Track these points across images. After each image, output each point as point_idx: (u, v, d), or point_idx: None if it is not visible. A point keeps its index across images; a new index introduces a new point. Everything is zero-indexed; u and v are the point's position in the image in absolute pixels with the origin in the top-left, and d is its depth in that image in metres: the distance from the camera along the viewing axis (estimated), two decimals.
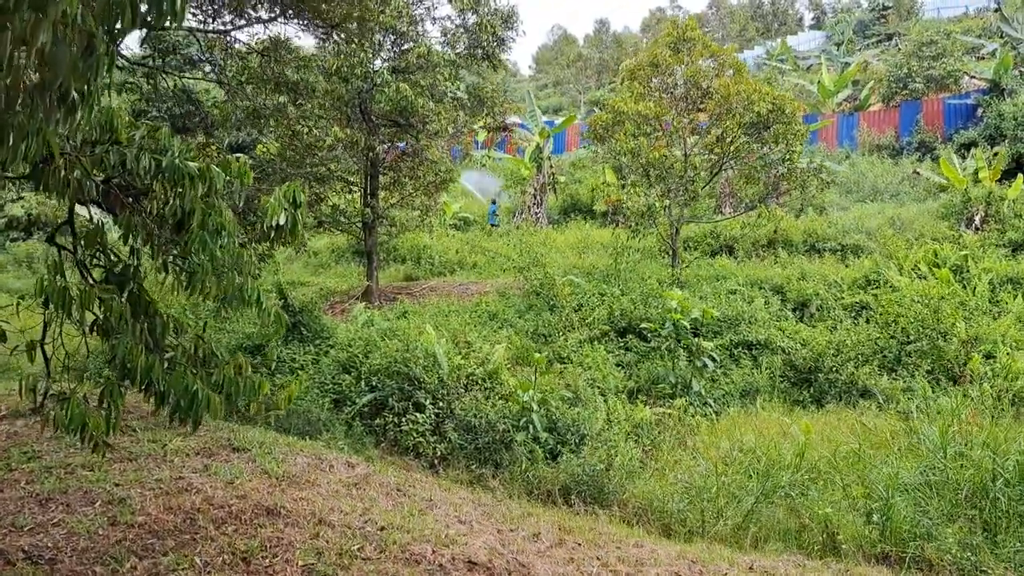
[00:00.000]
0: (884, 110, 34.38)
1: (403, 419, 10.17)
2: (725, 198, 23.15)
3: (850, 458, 9.06)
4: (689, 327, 12.25)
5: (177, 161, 4.25)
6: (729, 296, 15.05)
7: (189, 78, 11.57)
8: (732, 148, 16.30)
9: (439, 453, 9.88)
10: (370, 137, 15.24)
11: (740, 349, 13.59)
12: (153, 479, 6.69)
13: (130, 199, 4.28)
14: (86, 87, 3.29)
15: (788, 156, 15.74)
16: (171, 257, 4.57)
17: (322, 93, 12.24)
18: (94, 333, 4.51)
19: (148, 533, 5.62)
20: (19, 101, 3.19)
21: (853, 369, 12.46)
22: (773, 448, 9.25)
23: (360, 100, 15.60)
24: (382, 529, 6.09)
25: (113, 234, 5.16)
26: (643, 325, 13.26)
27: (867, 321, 14.27)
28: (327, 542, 5.72)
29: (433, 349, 10.91)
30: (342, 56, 12.78)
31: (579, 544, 6.34)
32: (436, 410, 10.28)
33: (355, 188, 17.54)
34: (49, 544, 5.30)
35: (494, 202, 28.32)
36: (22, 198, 30.08)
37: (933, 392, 11.53)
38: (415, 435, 9.95)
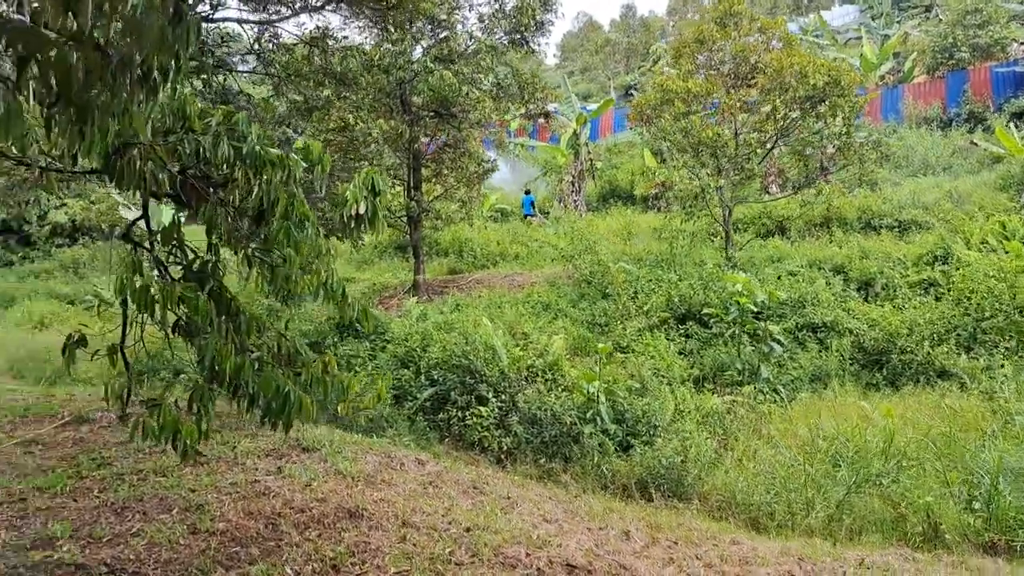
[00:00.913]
0: (929, 81, 33.31)
1: (466, 413, 9.90)
2: (772, 177, 22.52)
3: (940, 442, 8.59)
4: (755, 311, 11.80)
5: (258, 147, 3.97)
6: (789, 278, 14.53)
7: (241, 72, 11.38)
8: (784, 124, 15.73)
9: (505, 447, 9.59)
10: (413, 128, 14.96)
11: (805, 332, 13.09)
12: (228, 483, 6.48)
13: (210, 190, 4.01)
14: (173, 62, 3.00)
15: (845, 129, 15.15)
16: (252, 251, 4.29)
17: (364, 85, 11.97)
18: (176, 334, 4.25)
19: (231, 541, 5.40)
20: (100, 79, 2.92)
21: (929, 349, 11.92)
22: (857, 434, 8.80)
23: (401, 91, 15.32)
24: (468, 530, 5.81)
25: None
26: (704, 311, 12.83)
27: (937, 299, 13.68)
28: (415, 546, 5.45)
29: (492, 341, 10.62)
30: (384, 46, 12.50)
31: (674, 543, 6.00)
32: (499, 403, 9.99)
33: (398, 182, 17.30)
34: (131, 556, 5.09)
35: (528, 192, 27.62)
36: (65, 204, 30.40)
37: (1016, 370, 10.97)
38: (479, 429, 9.67)
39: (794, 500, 7.79)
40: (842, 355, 12.36)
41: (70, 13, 2.82)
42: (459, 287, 17.40)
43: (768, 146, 15.65)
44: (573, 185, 26.20)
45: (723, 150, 14.73)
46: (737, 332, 11.92)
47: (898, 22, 51.16)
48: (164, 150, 4.04)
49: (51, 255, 31.01)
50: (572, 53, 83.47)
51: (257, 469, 6.87)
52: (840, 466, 8.35)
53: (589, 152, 27.67)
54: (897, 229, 18.62)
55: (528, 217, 26.05)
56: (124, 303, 4.08)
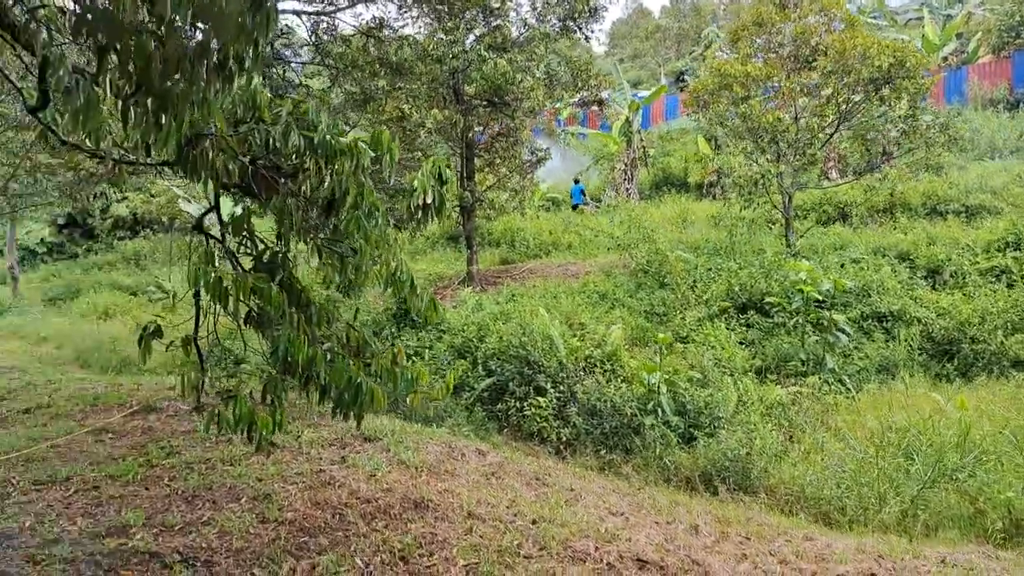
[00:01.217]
0: (995, 61, 31.99)
1: (525, 404, 9.83)
2: (831, 163, 21.90)
3: (1020, 435, 8.23)
4: (819, 300, 11.46)
5: (328, 137, 3.93)
6: (853, 265, 14.09)
7: (298, 63, 11.46)
8: (846, 108, 15.22)
9: (564, 438, 9.51)
10: (467, 118, 14.89)
11: (871, 322, 12.67)
12: (294, 472, 6.52)
13: (282, 180, 3.98)
14: (250, 49, 2.96)
15: (912, 112, 14.61)
16: (322, 241, 4.26)
17: (418, 75, 11.93)
18: (247, 325, 4.25)
19: (299, 531, 5.42)
20: (179, 68, 2.89)
21: (1002, 338, 11.44)
22: (931, 427, 8.48)
23: (454, 81, 15.26)
24: (534, 522, 5.74)
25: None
26: (767, 299, 12.53)
27: (1009, 286, 13.13)
28: (482, 538, 5.40)
29: (549, 331, 10.53)
30: (437, 35, 12.44)
31: (746, 538, 5.84)
32: (557, 394, 9.91)
33: (450, 172, 17.23)
34: (203, 545, 5.14)
35: (577, 181, 27.23)
36: (127, 198, 31.20)
37: None
38: (538, 420, 9.60)
39: (866, 494, 7.54)
40: (910, 345, 11.95)
41: (148, 2, 2.79)
42: (512, 277, 17.33)
43: (829, 131, 15.16)
44: (625, 173, 25.89)
45: (783, 135, 14.32)
46: (800, 321, 11.60)
47: (960, 1, 49.36)
48: (235, 140, 4.02)
49: (113, 247, 31.88)
50: (621, 40, 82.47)
51: (321, 459, 6.91)
52: (913, 459, 8.06)
53: (642, 139, 27.30)
54: (964, 215, 17.94)
55: (578, 206, 25.77)
56: (197, 294, 4.09)
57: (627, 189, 25.74)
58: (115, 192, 29.60)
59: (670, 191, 26.88)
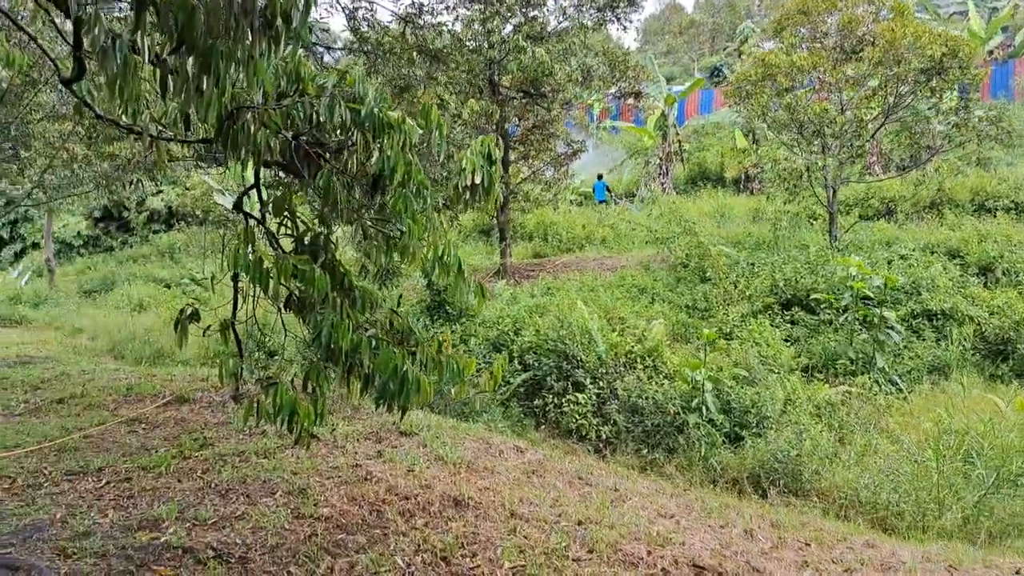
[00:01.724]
0: None
1: (563, 400, 9.56)
2: (874, 157, 21.31)
3: None
4: (868, 297, 11.01)
5: (376, 110, 3.68)
6: (901, 262, 13.60)
7: (336, 48, 11.26)
8: (894, 99, 14.71)
9: (604, 436, 9.22)
10: (503, 109, 14.62)
11: (920, 320, 12.21)
12: (329, 466, 6.32)
13: (327, 155, 3.75)
14: (300, 3, 2.71)
15: (965, 104, 14.07)
16: (368, 222, 4.02)
17: (454, 65, 11.69)
18: (287, 310, 4.02)
19: (336, 527, 5.20)
20: (223, 24, 2.65)
21: None
22: (991, 430, 8.07)
23: (490, 72, 15.00)
24: (580, 523, 5.47)
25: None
26: (813, 296, 12.11)
27: None
28: (527, 539, 5.14)
29: (588, 326, 10.23)
30: (474, 25, 12.19)
31: (805, 544, 5.52)
32: (597, 390, 9.62)
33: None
34: (237, 540, 4.94)
35: (600, 177, 26.70)
36: (162, 191, 31.40)
37: None
38: (577, 417, 9.33)
39: (924, 499, 7.18)
40: (963, 344, 11.48)
41: None
42: (546, 271, 17.04)
43: (877, 123, 14.63)
44: (660, 167, 25.46)
45: (830, 127, 13.85)
46: (849, 319, 11.17)
47: None
48: (278, 115, 3.79)
49: (148, 240, 32.11)
50: (653, 36, 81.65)
51: (357, 453, 6.71)
52: (973, 464, 7.67)
53: (677, 134, 26.83)
54: (1015, 211, 17.33)
55: (601, 203, 25.25)
56: (235, 277, 3.86)
57: (662, 183, 25.31)
58: (151, 184, 29.80)
59: (705, 186, 26.37)
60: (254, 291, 3.71)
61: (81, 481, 5.99)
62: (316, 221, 4.16)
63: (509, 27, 14.49)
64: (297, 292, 3.91)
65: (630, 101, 19.49)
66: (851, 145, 13.90)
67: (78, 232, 32.87)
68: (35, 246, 32.41)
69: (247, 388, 4.05)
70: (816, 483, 7.73)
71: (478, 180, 4.29)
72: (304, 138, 3.97)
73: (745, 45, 43.36)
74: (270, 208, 4.06)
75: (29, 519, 5.16)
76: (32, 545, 4.78)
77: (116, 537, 4.91)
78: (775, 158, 14.35)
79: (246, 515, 5.33)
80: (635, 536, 5.22)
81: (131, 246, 32.26)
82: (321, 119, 3.77)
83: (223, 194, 23.39)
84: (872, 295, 11.01)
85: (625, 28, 19.96)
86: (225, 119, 3.59)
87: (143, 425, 7.55)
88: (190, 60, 2.84)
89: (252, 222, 3.98)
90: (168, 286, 24.61)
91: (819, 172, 14.17)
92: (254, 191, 4.36)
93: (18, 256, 32.50)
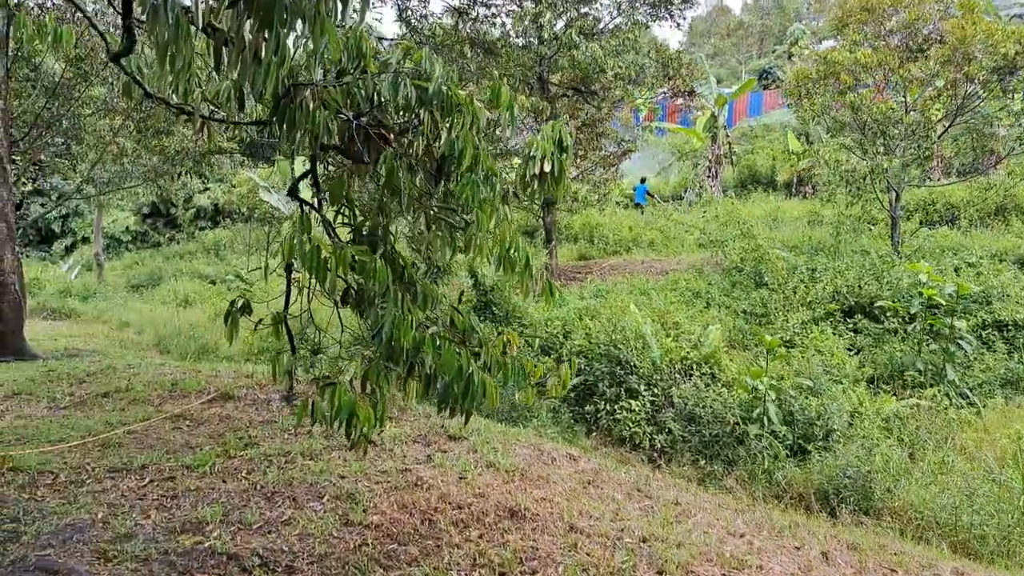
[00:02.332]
0: None
1: (616, 406, 9.18)
2: (934, 161, 20.50)
3: None
4: (940, 305, 10.41)
5: (445, 88, 3.37)
6: (969, 270, 12.94)
7: (388, 39, 11.06)
8: (961, 100, 14.02)
9: (659, 445, 8.82)
10: (553, 106, 14.29)
11: (990, 331, 11.57)
12: (377, 471, 6.04)
13: (391, 137, 3.45)
14: None
15: None
16: (433, 210, 3.72)
17: (506, 58, 11.39)
18: (344, 304, 3.74)
19: (386, 536, 4.91)
20: None
21: None
22: None
23: (540, 68, 14.67)
24: (644, 540, 5.10)
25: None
26: (878, 303, 11.53)
27: None
28: (589, 556, 4.79)
29: (642, 330, 9.84)
30: (525, 21, 11.88)
31: (891, 571, 5.08)
32: (651, 397, 9.23)
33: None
34: (283, 547, 4.68)
35: (644, 180, 26.11)
36: (208, 188, 31.70)
37: None
38: (631, 424, 8.94)
39: (1007, 522, 6.66)
40: None
41: None
42: (592, 273, 16.67)
43: (945, 124, 13.94)
44: (710, 170, 24.87)
45: (895, 127, 13.23)
46: (918, 328, 10.60)
47: None
48: (338, 92, 3.50)
49: (195, 237, 32.43)
50: (699, 38, 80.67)
51: (406, 457, 6.42)
52: None
53: (727, 136, 26.21)
54: None
55: (640, 206, 24.66)
56: (289, 268, 3.57)
57: (711, 187, 24.72)
58: (198, 181, 30.08)
59: (755, 189, 25.72)
60: (310, 283, 3.43)
61: (124, 479, 5.79)
62: (374, 210, 3.87)
63: (560, 23, 14.15)
64: (355, 286, 3.62)
65: (680, 101, 19.02)
66: (918, 147, 13.26)
67: (127, 228, 33.33)
68: (85, 240, 32.93)
69: (298, 387, 3.76)
70: (889, 502, 7.24)
71: (547, 168, 3.97)
72: (365, 119, 3.67)
73: (796, 47, 42.43)
74: (327, 196, 3.78)
75: (70, 518, 4.96)
76: (72, 547, 4.57)
77: (159, 540, 4.68)
78: (837, 159, 13.74)
79: (292, 520, 5.07)
80: (706, 557, 4.85)
81: (178, 242, 32.61)
82: (384, 98, 3.48)
83: (269, 191, 23.41)
84: (944, 303, 10.42)
85: (679, 25, 19.83)
86: (282, 97, 3.32)
87: (187, 422, 7.36)
88: (247, 24, 2.56)
89: (308, 210, 3.69)
90: (213, 282, 24.73)
91: (882, 175, 13.56)
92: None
93: (68, 250, 33.05)
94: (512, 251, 3.86)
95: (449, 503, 5.43)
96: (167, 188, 18.73)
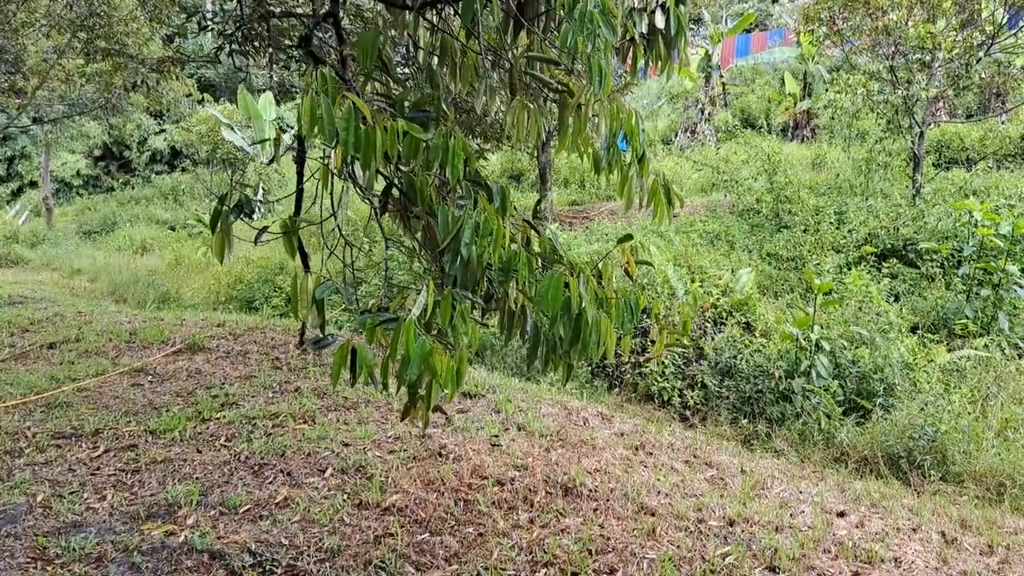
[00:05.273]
0: None
1: (641, 359, 8.14)
2: (940, 102, 19.52)
3: None
4: (998, 247, 9.41)
5: None
6: (1008, 211, 11.98)
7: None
8: (995, 27, 12.79)
9: (690, 402, 7.82)
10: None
11: None
12: (388, 436, 4.93)
13: None
14: None
15: None
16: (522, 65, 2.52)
17: None
18: (384, 211, 2.55)
19: (415, 524, 3.82)
20: None
21: None
22: None
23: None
24: (731, 523, 4.08)
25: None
26: (921, 245, 10.54)
27: None
28: (677, 547, 3.75)
29: (667, 275, 8.77)
30: None
31: None
32: (680, 349, 8.19)
33: None
34: (282, 539, 3.58)
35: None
36: (164, 131, 29.66)
37: None
38: (659, 379, 7.92)
39: None
40: None
41: None
42: (590, 218, 15.55)
43: (981, 53, 12.78)
44: (703, 112, 23.63)
45: (934, 53, 12.08)
46: (972, 272, 9.60)
47: None
48: None
49: (150, 182, 30.52)
50: None
51: None
52: None
53: (721, 76, 24.92)
54: None
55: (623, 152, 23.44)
56: (301, 146, 2.38)
57: (704, 130, 23.51)
58: (154, 122, 28.12)
59: (748, 132, 24.55)
60: (341, 170, 2.23)
61: (73, 447, 4.61)
62: (424, 73, 2.66)
63: None
64: (402, 183, 2.44)
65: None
66: (961, 75, 12.09)
67: (77, 171, 31.16)
68: (32, 184, 30.79)
69: (315, 333, 2.59)
70: (967, 465, 6.32)
71: (661, 24, 2.81)
72: None
73: None
74: (354, 53, 2.57)
75: (0, 502, 3.80)
76: (0, 543, 3.42)
77: (117, 531, 3.55)
78: (867, 89, 12.57)
79: (290, 501, 3.96)
80: (822, 546, 3.84)
81: (133, 187, 30.61)
82: None
83: (232, 130, 21.70)
84: (1001, 244, 9.44)
85: None
86: None
87: (149, 377, 6.16)
88: None
89: (327, 69, 2.44)
90: (173, 228, 23.20)
91: (920, 105, 12.37)
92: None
93: (15, 195, 30.91)
94: (628, 125, 2.73)
95: (484, 477, 4.35)
96: (120, 126, 17.05)
